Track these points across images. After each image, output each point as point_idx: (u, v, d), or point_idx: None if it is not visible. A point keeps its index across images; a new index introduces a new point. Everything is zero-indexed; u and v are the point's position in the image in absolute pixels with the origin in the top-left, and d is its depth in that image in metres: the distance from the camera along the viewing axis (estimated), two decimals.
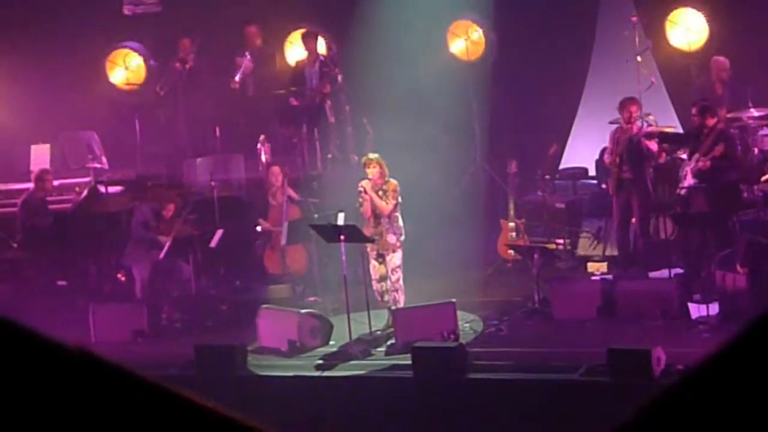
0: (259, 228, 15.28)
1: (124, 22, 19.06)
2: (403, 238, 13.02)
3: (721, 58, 15.90)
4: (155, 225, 14.65)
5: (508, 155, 16.08)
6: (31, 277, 15.74)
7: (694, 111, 14.19)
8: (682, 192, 14.01)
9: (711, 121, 14.00)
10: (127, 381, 1.76)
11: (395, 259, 12.97)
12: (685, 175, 14.00)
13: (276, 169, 15.27)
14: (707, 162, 13.73)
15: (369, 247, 13.04)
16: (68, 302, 15.14)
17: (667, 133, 15.27)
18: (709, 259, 13.27)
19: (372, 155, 13.21)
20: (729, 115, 14.98)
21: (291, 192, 15.25)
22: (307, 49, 17.52)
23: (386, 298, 13.03)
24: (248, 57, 18.00)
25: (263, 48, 18.38)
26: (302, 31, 17.88)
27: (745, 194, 14.37)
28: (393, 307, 12.87)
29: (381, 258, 13.07)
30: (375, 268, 13.10)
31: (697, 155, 13.90)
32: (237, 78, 17.90)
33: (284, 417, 11.05)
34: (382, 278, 13.06)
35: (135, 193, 16.40)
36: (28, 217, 15.78)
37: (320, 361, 12.28)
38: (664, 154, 14.86)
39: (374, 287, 13.08)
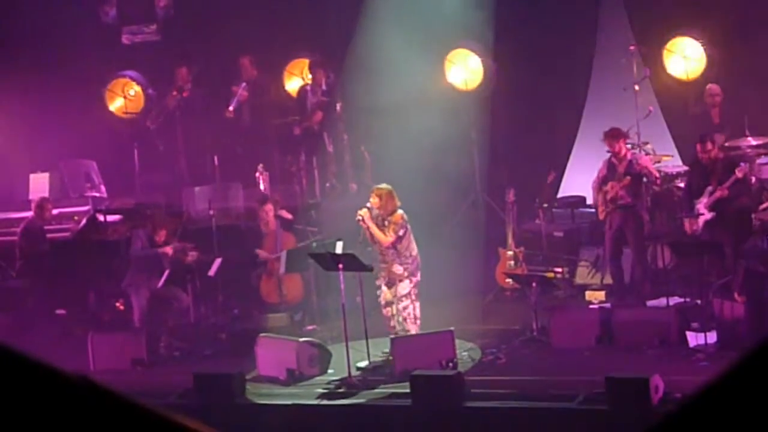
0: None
1: (123, 51, 19.12)
2: (413, 268, 12.96)
3: (713, 86, 15.94)
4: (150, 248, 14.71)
5: (507, 184, 16.08)
6: (30, 306, 15.70)
7: (709, 146, 14.01)
8: (699, 229, 13.93)
9: (715, 151, 14.00)
10: (128, 408, 1.76)
11: (401, 288, 12.94)
12: (699, 212, 13.94)
13: (269, 206, 15.19)
14: (725, 190, 13.75)
15: (380, 273, 13.06)
16: (67, 331, 15.14)
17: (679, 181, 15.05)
18: (707, 288, 13.27)
19: (382, 185, 13.11)
20: (727, 144, 14.99)
21: (284, 213, 15.23)
22: (314, 78, 17.59)
23: (393, 323, 13.03)
24: (244, 86, 18.04)
25: (258, 78, 18.42)
26: (308, 60, 17.96)
27: None
28: (392, 336, 12.84)
29: (390, 284, 13.07)
30: (383, 294, 13.10)
31: (710, 188, 13.89)
32: (231, 107, 17.94)
33: None
34: (388, 303, 13.05)
35: (134, 222, 16.37)
36: (28, 244, 15.78)
37: (319, 390, 12.25)
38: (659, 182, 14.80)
39: (383, 312, 13.09)
